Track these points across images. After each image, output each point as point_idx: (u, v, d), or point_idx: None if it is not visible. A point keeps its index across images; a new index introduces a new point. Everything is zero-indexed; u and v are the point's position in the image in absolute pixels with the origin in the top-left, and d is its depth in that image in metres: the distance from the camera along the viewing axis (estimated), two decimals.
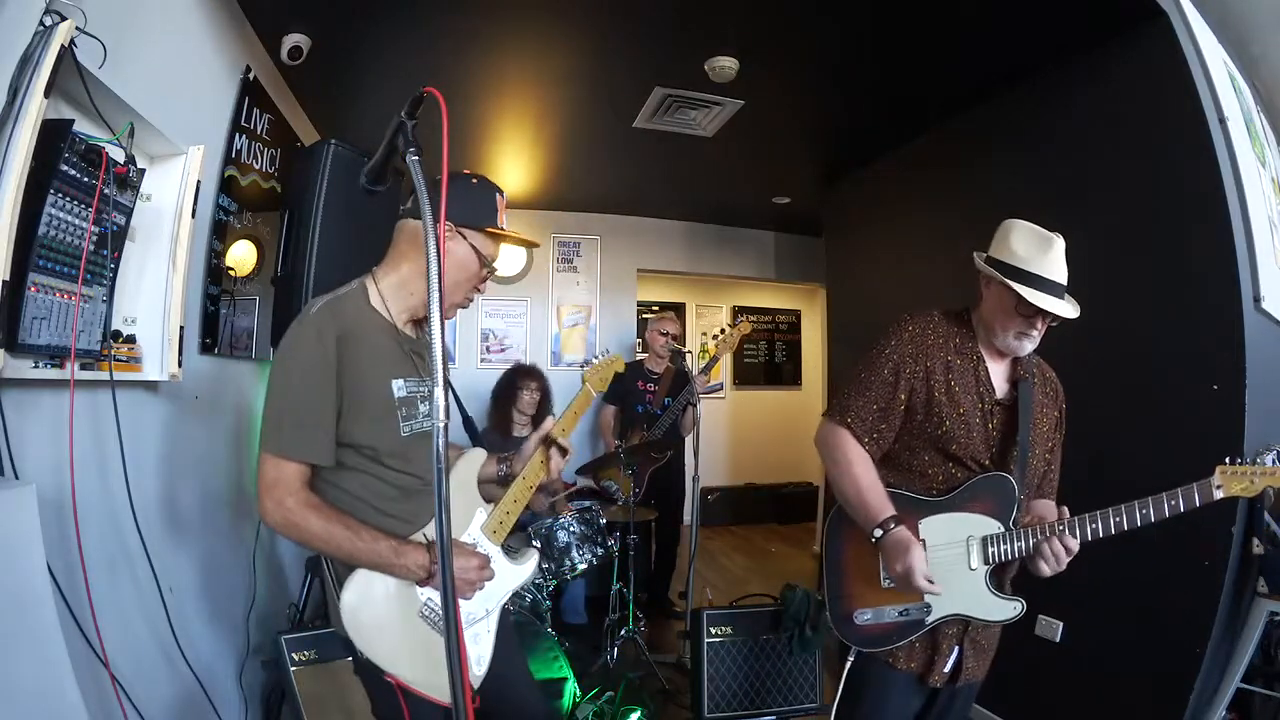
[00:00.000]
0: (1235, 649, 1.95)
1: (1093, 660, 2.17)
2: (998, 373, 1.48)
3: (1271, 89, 2.63)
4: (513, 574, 1.46)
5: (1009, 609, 1.39)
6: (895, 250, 3.49)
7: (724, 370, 6.75)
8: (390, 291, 1.31)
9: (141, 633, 1.65)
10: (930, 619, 1.40)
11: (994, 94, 2.73)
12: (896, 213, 3.50)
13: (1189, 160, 2.02)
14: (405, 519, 1.29)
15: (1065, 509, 1.38)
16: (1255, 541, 1.92)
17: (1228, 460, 1.29)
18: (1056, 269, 1.37)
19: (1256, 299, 1.94)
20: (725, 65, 2.61)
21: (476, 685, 1.34)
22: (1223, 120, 2.01)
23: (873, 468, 1.44)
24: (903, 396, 1.44)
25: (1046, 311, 1.35)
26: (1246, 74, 2.47)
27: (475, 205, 1.30)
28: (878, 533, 1.36)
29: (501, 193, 1.37)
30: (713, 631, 2.48)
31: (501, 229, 1.34)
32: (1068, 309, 1.38)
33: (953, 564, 1.39)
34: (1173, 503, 1.28)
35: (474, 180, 1.34)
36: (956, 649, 1.44)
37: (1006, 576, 1.47)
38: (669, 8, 2.28)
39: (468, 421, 1.59)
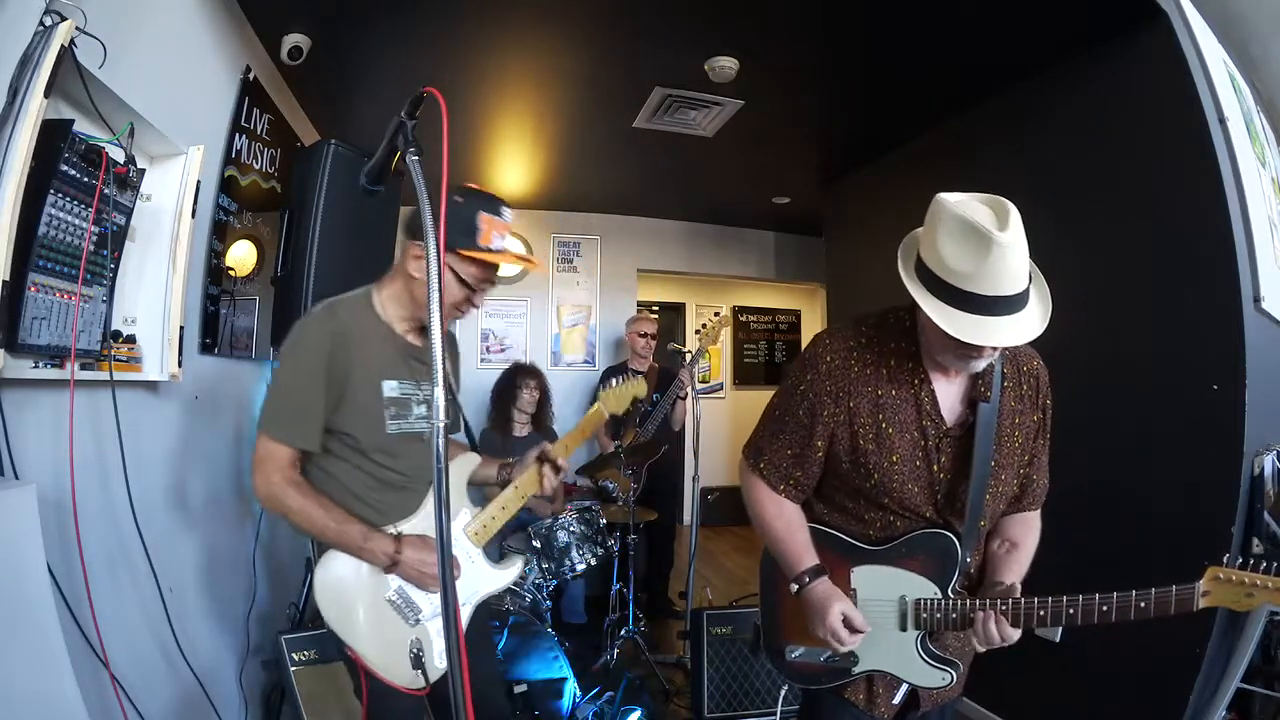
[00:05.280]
0: (1235, 649, 1.95)
1: (1093, 660, 2.17)
2: (949, 394, 1.22)
3: (1271, 89, 2.62)
4: (490, 577, 1.48)
5: (936, 678, 1.25)
6: (895, 250, 3.48)
7: (724, 370, 6.76)
8: (389, 300, 1.42)
9: (141, 633, 1.65)
10: (856, 670, 1.28)
11: (994, 93, 2.73)
12: (896, 212, 3.47)
13: (1189, 160, 2.01)
14: (381, 510, 1.37)
15: (1017, 586, 1.19)
16: (1255, 541, 1.91)
17: (1225, 560, 1.09)
18: (998, 278, 1.01)
19: (1256, 299, 1.94)
20: (725, 65, 2.61)
21: (435, 678, 1.34)
22: (1223, 120, 2.01)
23: (789, 514, 1.30)
24: (820, 444, 1.24)
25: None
26: (1246, 74, 2.47)
27: (451, 225, 1.25)
28: (794, 587, 1.25)
29: (493, 208, 1.32)
30: (713, 631, 2.48)
31: (477, 251, 1.29)
32: (1020, 330, 1.04)
33: (883, 621, 1.25)
34: (1143, 604, 1.11)
35: (457, 199, 1.30)
36: (905, 685, 1.30)
37: (961, 636, 1.28)
38: (669, 8, 2.28)
39: (465, 427, 1.61)
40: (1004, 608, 1.15)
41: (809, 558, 1.26)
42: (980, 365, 1.15)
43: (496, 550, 1.54)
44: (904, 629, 1.25)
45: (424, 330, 1.44)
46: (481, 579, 1.47)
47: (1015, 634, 1.16)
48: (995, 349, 1.10)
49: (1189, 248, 2.04)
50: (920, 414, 1.20)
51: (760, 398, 7.81)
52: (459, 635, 0.84)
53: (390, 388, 1.36)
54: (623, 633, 3.04)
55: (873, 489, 1.23)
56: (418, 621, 1.36)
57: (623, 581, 3.12)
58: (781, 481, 1.30)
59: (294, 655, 1.99)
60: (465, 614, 1.43)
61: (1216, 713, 1.93)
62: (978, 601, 1.18)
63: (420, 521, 1.40)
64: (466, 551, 1.45)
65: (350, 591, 1.33)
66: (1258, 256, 1.98)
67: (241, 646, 2.24)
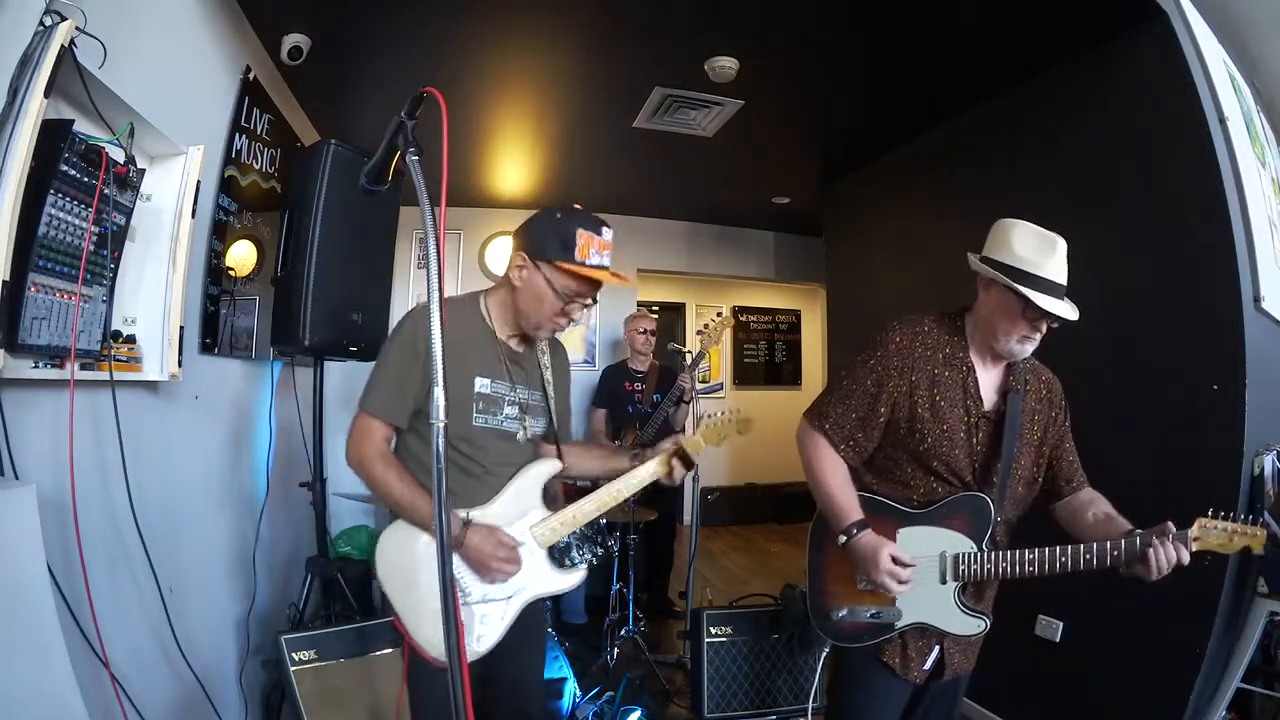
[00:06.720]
0: (1235, 649, 1.95)
1: (1093, 660, 2.17)
2: (987, 383, 1.45)
3: (1271, 89, 2.62)
4: (550, 579, 1.51)
5: (973, 625, 1.44)
6: (895, 250, 3.49)
7: (724, 370, 6.76)
8: (495, 308, 1.51)
9: (141, 633, 1.65)
10: (900, 624, 1.43)
11: (994, 94, 2.73)
12: (896, 213, 3.50)
13: (1189, 160, 2.01)
14: (457, 494, 1.43)
15: (1169, 524, 1.31)
16: None
17: (1209, 513, 1.29)
18: (1059, 270, 1.34)
19: (1256, 299, 1.94)
20: (725, 65, 2.61)
21: (472, 659, 1.39)
22: (1223, 120, 2.01)
23: (843, 473, 1.47)
24: (883, 410, 1.43)
25: (1052, 315, 1.33)
26: (1246, 74, 2.47)
27: (549, 238, 1.37)
28: (842, 538, 1.41)
29: (593, 227, 1.38)
30: (713, 631, 2.48)
31: (576, 265, 1.36)
32: (1071, 310, 1.35)
33: (925, 576, 1.41)
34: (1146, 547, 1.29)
35: (558, 215, 1.40)
36: (936, 648, 1.47)
37: (985, 593, 1.49)
38: (669, 8, 2.28)
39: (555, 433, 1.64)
40: (1033, 557, 1.35)
41: (856, 512, 1.42)
42: (1029, 349, 1.39)
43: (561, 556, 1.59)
44: (944, 581, 1.42)
45: (525, 338, 1.52)
46: (538, 578, 1.49)
47: (1186, 555, 1.28)
48: (1041, 335, 1.38)
49: (1189, 248, 2.04)
50: (965, 395, 1.43)
51: (760, 398, 7.79)
52: (459, 634, 0.85)
53: (481, 384, 1.44)
54: (623, 633, 3.04)
55: (925, 452, 1.42)
56: (465, 604, 1.41)
57: (623, 581, 3.12)
58: (843, 442, 1.47)
59: (294, 655, 1.99)
60: (513, 608, 1.47)
61: (1216, 713, 1.93)
62: (1012, 552, 1.37)
63: (491, 511, 1.46)
64: (530, 549, 1.48)
65: (406, 563, 1.40)
66: (1258, 256, 1.98)
67: (241, 646, 2.24)
